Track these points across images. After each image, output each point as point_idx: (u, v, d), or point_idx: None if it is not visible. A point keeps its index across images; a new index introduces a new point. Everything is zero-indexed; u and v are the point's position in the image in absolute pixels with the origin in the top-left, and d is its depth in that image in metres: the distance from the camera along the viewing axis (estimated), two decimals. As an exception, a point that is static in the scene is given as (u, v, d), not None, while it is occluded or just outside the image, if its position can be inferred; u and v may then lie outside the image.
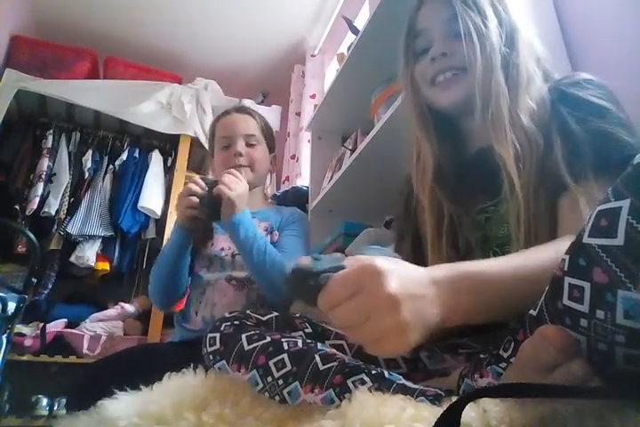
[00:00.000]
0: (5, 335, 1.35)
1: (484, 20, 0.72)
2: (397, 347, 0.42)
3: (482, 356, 0.51)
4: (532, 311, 0.43)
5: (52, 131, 2.51)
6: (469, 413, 0.34)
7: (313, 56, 2.70)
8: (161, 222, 2.51)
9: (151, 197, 2.48)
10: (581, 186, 0.59)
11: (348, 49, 1.61)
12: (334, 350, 0.58)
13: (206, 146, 2.59)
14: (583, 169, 0.60)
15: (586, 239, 0.36)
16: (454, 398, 0.32)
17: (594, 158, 0.60)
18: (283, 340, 0.59)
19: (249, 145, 1.31)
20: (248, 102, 2.78)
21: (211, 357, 0.63)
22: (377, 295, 0.41)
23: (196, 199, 1.13)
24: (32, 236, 1.53)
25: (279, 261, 1.10)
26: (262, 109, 2.71)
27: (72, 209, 2.39)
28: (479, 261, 0.49)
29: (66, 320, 2.19)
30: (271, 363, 0.57)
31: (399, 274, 0.42)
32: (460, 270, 0.47)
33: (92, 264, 2.33)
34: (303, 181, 2.30)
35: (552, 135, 0.65)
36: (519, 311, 0.46)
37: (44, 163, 2.37)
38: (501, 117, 0.69)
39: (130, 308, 2.31)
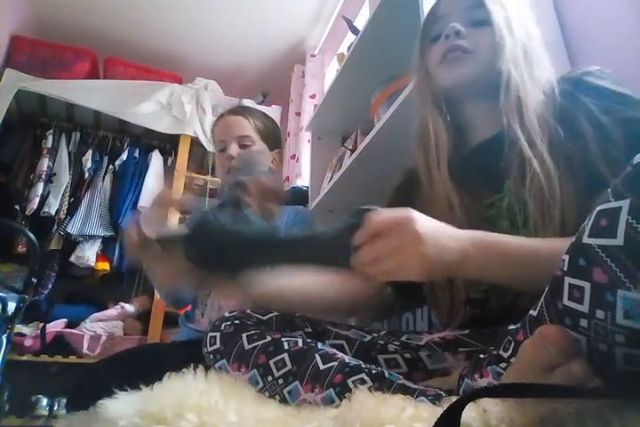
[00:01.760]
0: (5, 335, 1.34)
1: (509, 15, 0.75)
2: (413, 268, 0.50)
3: (482, 356, 0.51)
4: (531, 312, 0.43)
5: (52, 131, 2.51)
6: (469, 413, 0.34)
7: (313, 56, 2.70)
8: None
9: (151, 197, 2.48)
10: None
11: (348, 49, 1.61)
12: (334, 350, 0.58)
13: (206, 146, 2.60)
14: (620, 161, 0.59)
15: (586, 239, 0.36)
16: (454, 398, 0.32)
17: (629, 148, 0.59)
18: (283, 339, 0.59)
19: (243, 146, 1.30)
20: (248, 102, 2.78)
21: (211, 356, 0.63)
22: (406, 233, 0.49)
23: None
24: (32, 236, 1.53)
25: None
26: (262, 109, 2.71)
27: (72, 209, 2.39)
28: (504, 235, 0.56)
29: (66, 320, 2.19)
30: (271, 362, 0.57)
31: (431, 224, 0.52)
32: (486, 237, 0.55)
33: (92, 264, 2.33)
34: (303, 181, 2.30)
35: (581, 126, 0.64)
36: (531, 287, 0.51)
37: (44, 163, 2.37)
38: (521, 101, 0.69)
39: (130, 308, 2.31)
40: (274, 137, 1.38)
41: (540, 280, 0.44)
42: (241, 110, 1.38)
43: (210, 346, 0.63)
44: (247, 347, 0.59)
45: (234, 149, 1.28)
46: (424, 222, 0.51)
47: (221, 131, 1.34)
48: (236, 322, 0.65)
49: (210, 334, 0.65)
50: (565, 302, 0.37)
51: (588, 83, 0.67)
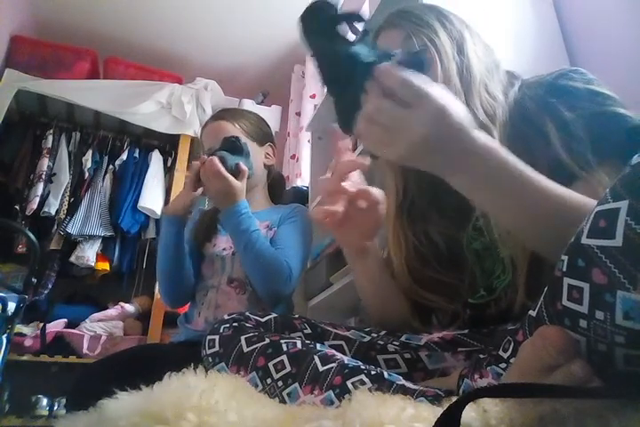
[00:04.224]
0: (5, 335, 1.34)
1: (435, 34, 0.76)
2: (403, 146, 0.47)
3: (481, 356, 0.51)
4: (531, 312, 0.43)
5: (51, 131, 2.50)
6: (469, 413, 0.34)
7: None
8: (161, 222, 2.51)
9: (151, 197, 2.48)
10: (590, 173, 0.59)
11: (348, 49, 1.60)
12: (333, 351, 0.58)
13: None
14: (585, 154, 0.60)
15: (584, 240, 0.36)
16: (454, 398, 0.32)
17: (593, 140, 0.60)
18: (282, 341, 0.59)
19: None
20: (248, 102, 2.78)
21: (210, 359, 0.63)
22: (428, 105, 0.47)
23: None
24: (32, 236, 1.53)
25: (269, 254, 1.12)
26: (262, 109, 2.71)
27: (72, 209, 2.39)
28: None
29: (66, 320, 2.19)
30: (270, 365, 0.57)
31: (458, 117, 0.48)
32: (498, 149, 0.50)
33: (92, 264, 2.33)
34: (303, 181, 2.31)
35: (546, 126, 0.65)
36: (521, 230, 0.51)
37: (44, 163, 2.37)
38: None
39: (130, 308, 2.31)
40: (261, 132, 1.36)
41: (530, 225, 0.46)
42: (222, 114, 1.37)
43: (209, 349, 0.63)
44: (246, 350, 0.59)
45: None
46: (453, 107, 0.48)
47: (207, 139, 1.33)
48: (235, 324, 0.65)
49: (209, 336, 0.65)
50: (565, 302, 0.37)
51: (559, 84, 0.68)
